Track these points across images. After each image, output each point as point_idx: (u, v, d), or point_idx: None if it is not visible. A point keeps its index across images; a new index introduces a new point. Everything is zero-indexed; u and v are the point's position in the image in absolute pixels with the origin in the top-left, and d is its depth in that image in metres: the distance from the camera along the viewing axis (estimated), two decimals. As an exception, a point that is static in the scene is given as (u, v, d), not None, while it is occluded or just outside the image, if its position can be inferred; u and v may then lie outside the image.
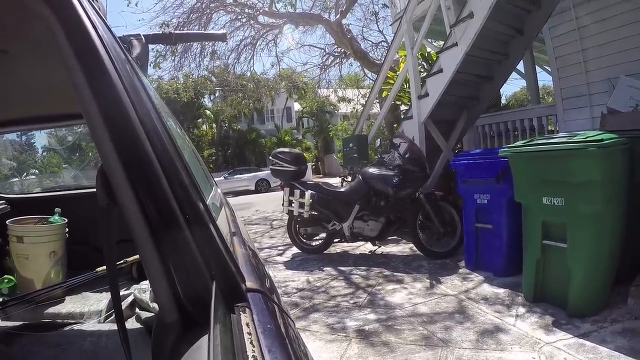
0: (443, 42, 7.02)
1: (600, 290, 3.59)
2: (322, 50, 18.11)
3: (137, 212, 0.72)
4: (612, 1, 6.38)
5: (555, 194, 3.68)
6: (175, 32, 1.68)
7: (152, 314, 2.54)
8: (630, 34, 6.18)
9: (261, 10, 13.83)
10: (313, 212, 6.31)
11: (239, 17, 14.12)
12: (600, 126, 5.46)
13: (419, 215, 5.86)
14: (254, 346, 0.69)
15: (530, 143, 4.05)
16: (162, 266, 0.72)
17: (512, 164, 4.13)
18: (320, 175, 30.98)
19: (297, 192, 6.36)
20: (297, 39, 40.81)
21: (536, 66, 10.27)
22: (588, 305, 3.55)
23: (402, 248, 6.62)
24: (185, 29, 11.97)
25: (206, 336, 0.67)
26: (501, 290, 4.34)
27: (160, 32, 1.69)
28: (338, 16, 13.40)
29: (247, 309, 0.80)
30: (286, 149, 6.95)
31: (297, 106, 38.33)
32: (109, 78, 0.76)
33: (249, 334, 0.72)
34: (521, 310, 3.83)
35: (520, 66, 9.78)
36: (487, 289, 4.43)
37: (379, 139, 8.13)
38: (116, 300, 1.13)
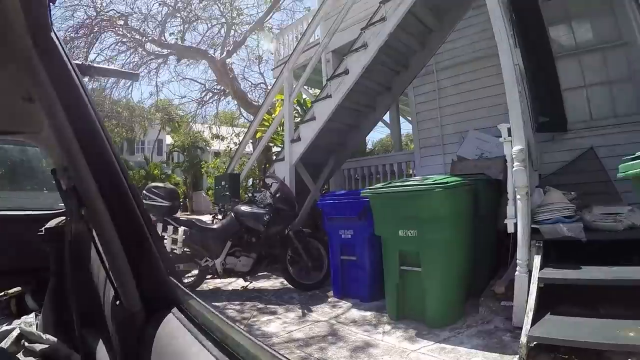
0: (319, 91, 7.66)
1: (454, 303, 4.28)
2: (202, 86, 18.28)
3: (112, 231, 0.98)
4: (466, 70, 7.78)
5: (410, 227, 4.32)
6: (94, 65, 1.81)
7: (48, 345, 2.56)
8: (478, 97, 7.51)
9: (150, 38, 13.65)
10: (186, 249, 6.36)
11: (125, 40, 13.79)
12: (450, 171, 6.42)
13: (289, 251, 6.20)
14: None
15: (388, 185, 4.71)
16: (132, 269, 1.00)
17: (373, 203, 4.72)
18: (188, 213, 30.30)
19: (170, 228, 6.38)
20: (179, 71, 39.99)
21: (400, 117, 11.44)
22: (445, 316, 4.19)
23: (273, 282, 6.89)
24: (68, 45, 11.44)
25: (170, 314, 0.96)
26: (368, 313, 4.83)
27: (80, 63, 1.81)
28: (224, 55, 13.64)
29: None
30: (160, 184, 6.91)
31: (168, 139, 37.32)
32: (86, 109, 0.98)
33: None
34: (387, 327, 4.33)
35: (387, 116, 10.83)
36: (355, 313, 4.88)
37: (251, 179, 8.46)
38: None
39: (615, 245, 3.77)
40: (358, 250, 5.35)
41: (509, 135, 4.09)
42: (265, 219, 6.11)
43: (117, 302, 1.07)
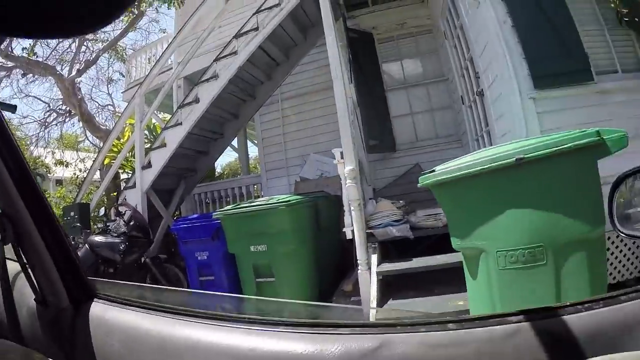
0: (169, 115, 7.73)
1: (306, 305, 4.68)
2: (47, 105, 16.71)
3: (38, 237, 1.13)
4: (308, 100, 8.54)
5: (260, 242, 4.69)
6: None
7: None
8: (318, 124, 8.24)
9: (-4, 48, 12.16)
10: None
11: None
12: (294, 191, 6.89)
13: (147, 278, 6.18)
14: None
15: (237, 206, 5.07)
16: (58, 269, 1.16)
17: (225, 224, 5.00)
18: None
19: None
20: (23, 88, 35.65)
21: (248, 141, 11.81)
22: (296, 317, 4.58)
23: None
24: None
25: (95, 302, 1.15)
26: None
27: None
28: (74, 73, 12.80)
29: None
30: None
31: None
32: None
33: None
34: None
35: (235, 141, 11.14)
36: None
37: (103, 207, 8.19)
38: None
39: (440, 238, 4.44)
40: (215, 270, 5.51)
41: (342, 157, 4.62)
42: (120, 248, 6.01)
43: (40, 303, 1.16)
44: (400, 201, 5.26)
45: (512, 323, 0.66)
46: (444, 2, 6.35)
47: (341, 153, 4.66)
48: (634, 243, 3.79)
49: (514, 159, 2.50)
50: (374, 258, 4.41)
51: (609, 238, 3.76)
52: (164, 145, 7.11)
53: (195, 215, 6.94)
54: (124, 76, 14.08)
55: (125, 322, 1.03)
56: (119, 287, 1.60)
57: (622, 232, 0.89)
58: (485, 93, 5.30)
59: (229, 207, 5.24)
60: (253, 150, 13.51)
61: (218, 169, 13.65)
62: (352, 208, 4.44)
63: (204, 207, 9.22)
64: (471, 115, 6.33)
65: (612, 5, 4.48)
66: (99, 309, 1.12)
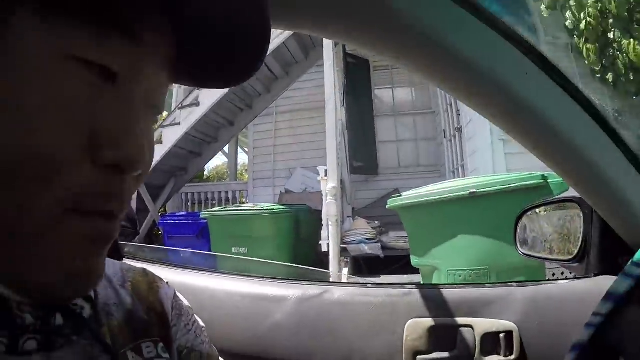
0: (166, 112, 7.97)
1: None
2: None
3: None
4: (301, 116, 8.76)
5: (241, 244, 5.02)
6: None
7: None
8: (308, 140, 8.47)
9: None
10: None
11: None
12: (278, 201, 7.21)
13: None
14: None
15: (224, 209, 5.46)
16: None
17: (210, 224, 5.33)
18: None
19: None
20: None
21: (239, 148, 11.99)
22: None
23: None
24: None
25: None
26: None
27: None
28: None
29: None
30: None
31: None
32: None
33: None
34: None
35: (227, 146, 11.37)
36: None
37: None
38: None
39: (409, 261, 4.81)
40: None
41: (326, 175, 4.95)
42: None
43: None
44: (376, 222, 5.62)
45: (408, 288, 1.05)
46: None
47: (325, 171, 4.98)
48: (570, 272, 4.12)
49: (468, 192, 2.90)
50: (345, 271, 4.72)
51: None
52: (160, 142, 7.32)
53: (182, 213, 7.22)
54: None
55: None
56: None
57: (521, 252, 1.23)
58: (463, 130, 5.70)
59: (216, 208, 5.57)
60: (242, 158, 13.60)
61: (206, 172, 13.84)
62: (329, 223, 4.76)
63: (189, 207, 9.38)
64: (450, 148, 6.76)
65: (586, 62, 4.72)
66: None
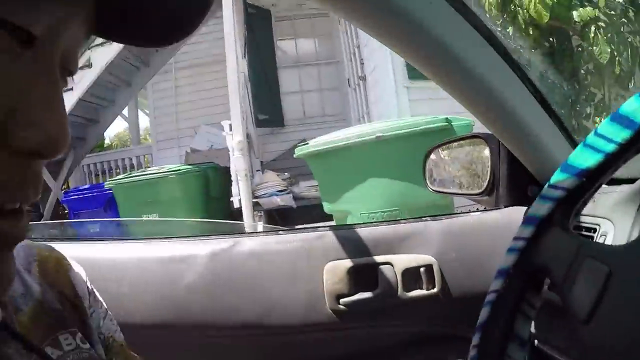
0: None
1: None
2: None
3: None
4: (202, 71, 8.35)
5: (151, 211, 4.85)
6: None
7: None
8: (210, 96, 8.13)
9: None
10: None
11: None
12: (185, 162, 6.98)
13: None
14: None
15: (129, 176, 5.22)
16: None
17: (116, 194, 5.09)
18: None
19: None
20: None
21: (139, 110, 11.44)
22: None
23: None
24: None
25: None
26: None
27: None
28: None
29: None
30: None
31: None
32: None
33: None
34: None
35: (126, 110, 10.80)
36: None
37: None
38: None
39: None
40: None
41: (230, 130, 4.86)
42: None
43: None
44: (286, 173, 5.65)
45: (322, 230, 1.03)
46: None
47: (230, 125, 4.88)
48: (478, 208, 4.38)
49: (375, 136, 2.95)
50: (260, 225, 4.73)
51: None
52: None
53: (86, 186, 6.85)
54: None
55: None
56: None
57: (432, 189, 1.24)
58: (367, 78, 5.77)
59: (120, 176, 5.31)
60: (144, 121, 12.98)
61: (107, 140, 13.12)
62: (239, 178, 4.73)
63: (93, 179, 8.92)
64: (355, 97, 6.84)
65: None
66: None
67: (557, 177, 0.57)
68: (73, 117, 6.96)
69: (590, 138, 0.51)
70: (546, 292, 0.61)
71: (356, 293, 0.96)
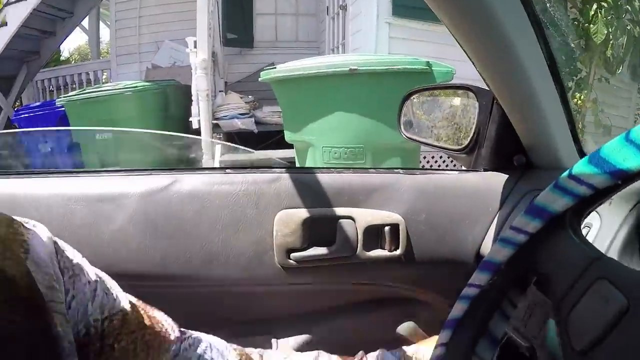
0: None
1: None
2: None
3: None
4: None
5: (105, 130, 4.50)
6: None
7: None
8: (176, 10, 7.53)
9: None
10: None
11: None
12: (145, 78, 6.65)
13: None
14: None
15: (82, 92, 4.91)
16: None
17: (69, 111, 4.80)
18: None
19: None
20: None
21: (101, 22, 10.76)
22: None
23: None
24: None
25: None
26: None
27: None
28: None
29: None
30: None
31: None
32: None
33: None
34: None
35: (86, 21, 10.14)
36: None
37: None
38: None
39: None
40: (60, 162, 5.22)
41: (195, 47, 4.57)
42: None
43: None
44: (250, 96, 5.43)
45: (277, 172, 0.90)
46: None
47: (195, 42, 4.60)
48: (448, 158, 4.35)
49: (348, 68, 2.79)
50: (218, 148, 4.57)
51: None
52: (4, 24, 6.32)
53: (37, 103, 6.51)
54: None
55: None
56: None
57: (405, 135, 1.13)
58: (348, 8, 5.49)
59: (73, 92, 5.02)
60: (107, 34, 12.27)
61: (65, 53, 12.39)
62: (200, 98, 4.50)
63: (47, 95, 8.44)
64: (332, 26, 6.54)
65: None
66: None
67: (583, 168, 0.45)
68: (26, 29, 6.51)
69: (638, 134, 0.40)
70: (532, 290, 0.52)
71: (309, 248, 0.87)
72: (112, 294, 0.48)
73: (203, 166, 4.53)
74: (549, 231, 0.49)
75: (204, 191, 0.86)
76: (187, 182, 0.87)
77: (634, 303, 0.37)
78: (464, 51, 0.69)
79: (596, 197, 0.46)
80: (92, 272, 0.48)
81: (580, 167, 0.45)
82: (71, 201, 0.82)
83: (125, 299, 0.50)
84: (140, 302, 0.52)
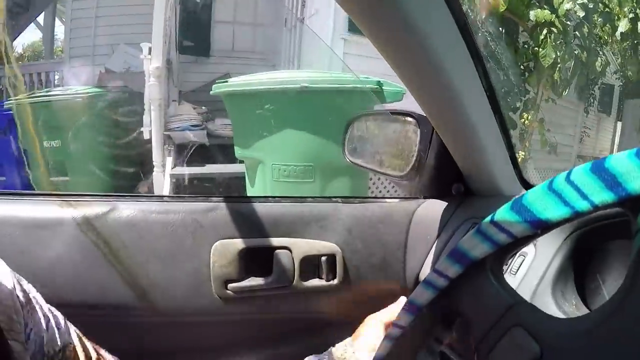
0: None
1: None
2: None
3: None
4: None
5: (53, 137, 4.43)
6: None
7: None
8: (135, 12, 7.12)
9: None
10: None
11: None
12: (97, 82, 6.45)
13: None
14: None
15: (31, 95, 4.76)
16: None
17: (17, 115, 4.55)
18: None
19: None
20: None
21: (57, 20, 10.37)
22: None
23: None
24: None
25: None
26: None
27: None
28: None
29: None
30: None
31: None
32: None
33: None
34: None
35: (42, 17, 9.77)
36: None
37: None
38: None
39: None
40: (7, 169, 4.92)
41: (149, 53, 4.48)
42: None
43: None
44: (203, 107, 5.41)
45: (214, 202, 0.89)
46: None
47: (149, 48, 4.51)
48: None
49: (300, 85, 2.79)
50: (169, 160, 4.49)
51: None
52: None
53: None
54: None
55: None
56: None
57: (349, 159, 1.14)
58: (306, 21, 5.53)
59: (22, 95, 4.77)
60: (62, 32, 11.79)
61: (20, 50, 11.81)
62: (152, 107, 4.42)
63: None
64: (289, 39, 6.57)
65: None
66: None
67: (505, 215, 0.46)
68: (-27, 22, 6.18)
69: (560, 183, 0.41)
70: (457, 328, 0.53)
71: (247, 278, 0.89)
72: (62, 327, 0.50)
73: (152, 179, 4.45)
74: (470, 275, 0.49)
75: (142, 219, 0.86)
76: (125, 209, 0.86)
77: (547, 353, 0.38)
78: (403, 83, 0.70)
79: (516, 244, 0.46)
80: (45, 306, 0.50)
81: (503, 213, 0.46)
82: (5, 225, 0.80)
83: (73, 333, 0.52)
84: (83, 336, 0.54)
